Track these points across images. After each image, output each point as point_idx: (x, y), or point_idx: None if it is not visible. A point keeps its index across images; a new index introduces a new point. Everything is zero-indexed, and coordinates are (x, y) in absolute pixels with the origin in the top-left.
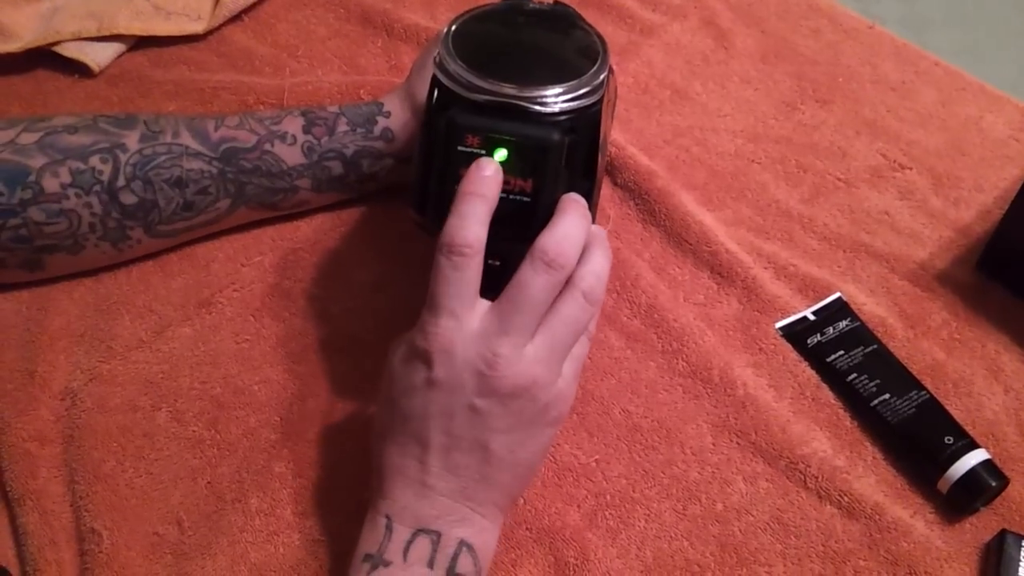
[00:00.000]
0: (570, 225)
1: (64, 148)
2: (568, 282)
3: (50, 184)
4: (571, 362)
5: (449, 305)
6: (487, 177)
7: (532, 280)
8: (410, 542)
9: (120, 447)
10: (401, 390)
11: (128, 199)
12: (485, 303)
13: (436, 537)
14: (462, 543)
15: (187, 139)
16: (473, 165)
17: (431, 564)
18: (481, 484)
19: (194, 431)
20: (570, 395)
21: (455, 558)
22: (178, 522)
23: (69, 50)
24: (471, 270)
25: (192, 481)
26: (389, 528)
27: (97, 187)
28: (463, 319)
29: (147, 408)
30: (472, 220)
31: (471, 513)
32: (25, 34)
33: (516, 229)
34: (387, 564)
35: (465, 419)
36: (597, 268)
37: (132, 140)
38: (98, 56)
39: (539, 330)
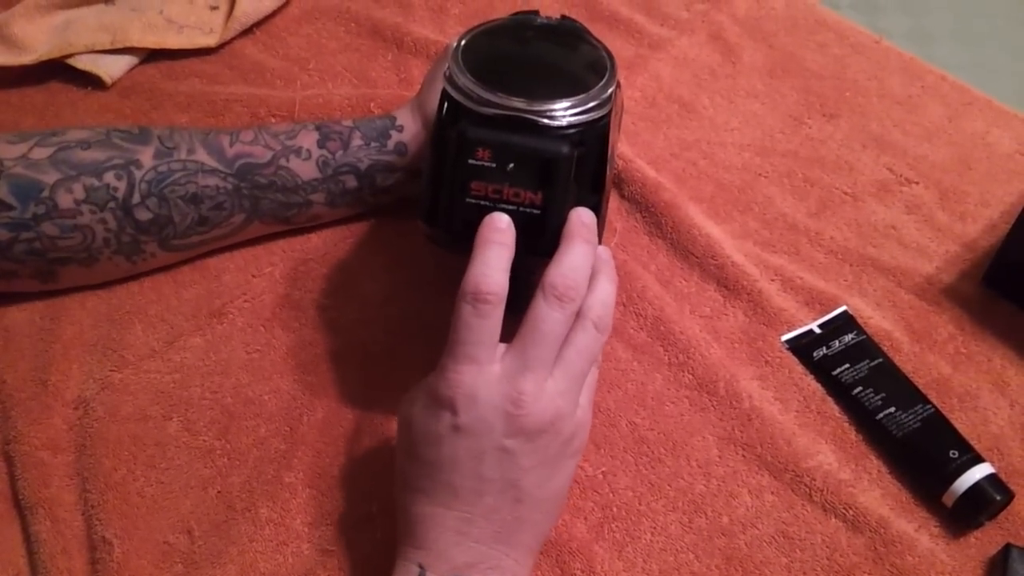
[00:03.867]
0: (577, 255)
1: (77, 164)
2: (578, 313)
3: (64, 200)
4: (586, 391)
5: (472, 352)
6: (503, 229)
7: (546, 315)
8: None
9: (131, 456)
10: (425, 439)
11: (143, 215)
12: (502, 345)
13: None
14: None
15: (202, 155)
16: (487, 218)
17: None
18: (514, 526)
19: (205, 440)
20: (588, 424)
21: None
22: (188, 531)
23: (82, 62)
24: (494, 317)
25: (202, 490)
26: None
27: (112, 204)
28: (485, 365)
29: (158, 417)
30: (495, 268)
31: (504, 558)
32: (39, 46)
33: (527, 242)
34: None
35: (494, 461)
36: (604, 296)
37: (147, 156)
38: (111, 68)
39: (556, 363)
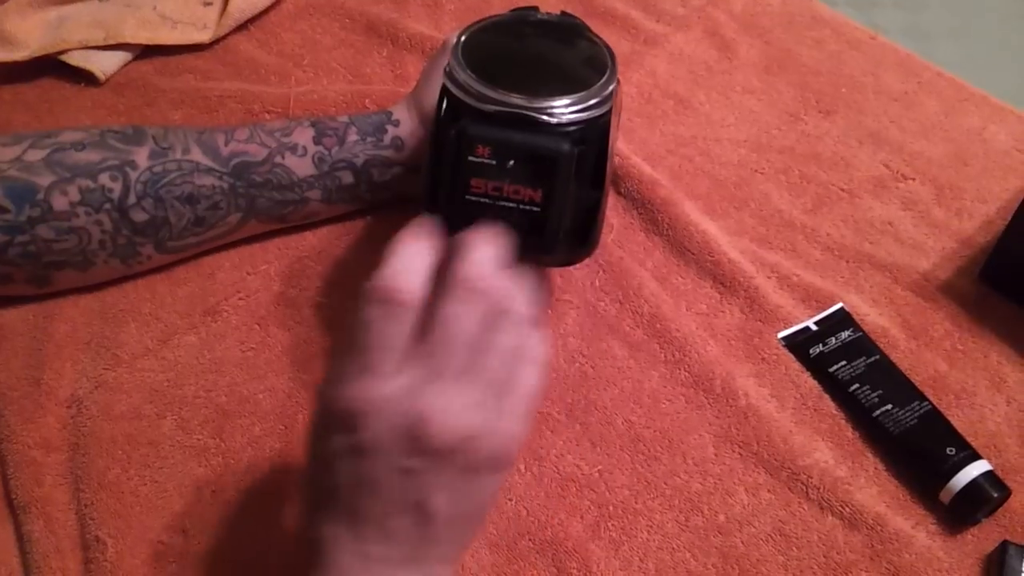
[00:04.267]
0: (485, 246)
1: (72, 166)
2: (498, 310)
3: (59, 202)
4: (517, 398)
5: (372, 361)
6: (425, 231)
7: (456, 313)
8: None
9: (125, 455)
10: (322, 459)
11: (139, 216)
12: (405, 352)
13: None
14: None
15: (198, 155)
16: (411, 224)
17: None
18: (424, 545)
19: (199, 439)
20: (518, 435)
21: None
22: (183, 531)
23: (75, 58)
24: (406, 323)
25: (197, 490)
26: None
27: (107, 205)
28: (387, 377)
29: (152, 416)
30: (414, 268)
31: None
32: (32, 42)
33: (526, 241)
34: None
35: (398, 483)
36: (522, 286)
37: (142, 157)
38: (104, 64)
39: (471, 370)
